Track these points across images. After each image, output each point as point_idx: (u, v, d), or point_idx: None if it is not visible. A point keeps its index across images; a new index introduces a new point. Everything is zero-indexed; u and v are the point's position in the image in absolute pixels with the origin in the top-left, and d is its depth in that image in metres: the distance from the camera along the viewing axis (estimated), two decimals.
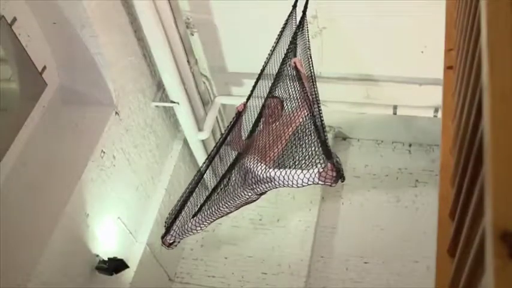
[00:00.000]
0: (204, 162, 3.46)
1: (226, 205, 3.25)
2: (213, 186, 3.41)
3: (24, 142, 3.89)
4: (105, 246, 4.36)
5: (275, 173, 2.94)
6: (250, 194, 3.15)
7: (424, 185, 5.69)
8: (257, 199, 3.31)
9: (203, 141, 5.36)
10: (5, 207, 3.56)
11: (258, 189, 3.11)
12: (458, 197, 1.43)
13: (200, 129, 5.15)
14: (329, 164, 2.60)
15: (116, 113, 4.34)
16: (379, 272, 5.23)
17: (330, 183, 2.67)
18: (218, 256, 5.56)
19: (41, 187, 3.81)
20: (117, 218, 4.52)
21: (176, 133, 5.55)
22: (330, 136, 5.98)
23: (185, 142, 5.49)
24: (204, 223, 3.39)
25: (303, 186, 2.79)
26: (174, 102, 4.84)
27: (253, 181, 3.07)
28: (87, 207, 4.07)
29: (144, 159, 4.90)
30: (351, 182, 5.87)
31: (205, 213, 3.36)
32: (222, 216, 3.39)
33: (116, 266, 4.27)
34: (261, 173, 3.00)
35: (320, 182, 2.71)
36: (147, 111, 4.87)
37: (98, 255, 4.27)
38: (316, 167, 2.72)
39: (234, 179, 3.31)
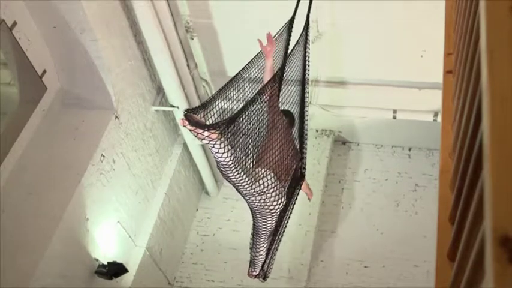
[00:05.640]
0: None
1: (264, 221, 3.30)
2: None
3: (24, 146, 3.89)
4: (104, 250, 4.35)
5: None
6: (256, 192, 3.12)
7: (423, 189, 5.68)
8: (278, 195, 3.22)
9: (203, 146, 5.36)
10: (4, 211, 3.56)
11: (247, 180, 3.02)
12: (458, 201, 1.43)
13: None
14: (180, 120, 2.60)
15: (116, 117, 4.34)
16: (379, 276, 5.23)
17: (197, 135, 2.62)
18: (218, 260, 5.54)
19: (40, 191, 3.81)
20: (116, 222, 4.52)
21: (176, 137, 5.54)
22: (329, 140, 5.98)
23: (185, 146, 5.49)
24: (260, 247, 3.53)
25: (216, 154, 2.70)
26: (174, 107, 4.84)
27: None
28: (87, 211, 4.07)
29: (143, 163, 4.90)
30: (350, 186, 5.88)
31: (256, 238, 3.49)
32: (269, 233, 3.45)
33: (115, 270, 4.26)
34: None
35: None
36: (147, 115, 4.87)
37: (97, 260, 4.26)
38: None
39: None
